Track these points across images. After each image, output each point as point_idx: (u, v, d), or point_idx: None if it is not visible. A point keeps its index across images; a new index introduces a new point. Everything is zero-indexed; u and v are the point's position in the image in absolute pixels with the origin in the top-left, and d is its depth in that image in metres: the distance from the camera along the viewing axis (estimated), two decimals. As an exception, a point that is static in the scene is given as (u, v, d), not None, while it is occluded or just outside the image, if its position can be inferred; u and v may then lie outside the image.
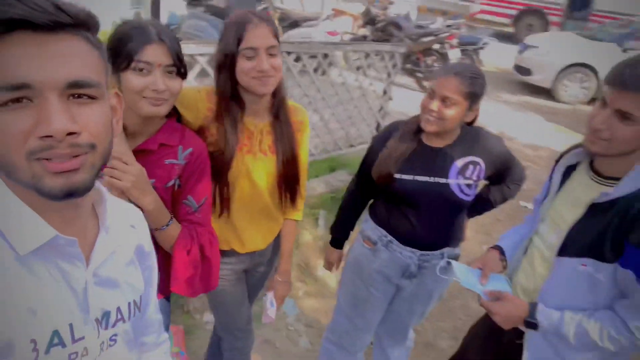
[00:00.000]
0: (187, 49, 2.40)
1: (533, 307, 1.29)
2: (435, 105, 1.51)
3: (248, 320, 1.78)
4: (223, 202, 1.44)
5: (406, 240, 1.69)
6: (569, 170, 1.35)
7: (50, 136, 0.56)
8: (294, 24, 6.72)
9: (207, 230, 1.31)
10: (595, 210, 1.20)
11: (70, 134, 0.57)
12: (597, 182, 1.23)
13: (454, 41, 6.79)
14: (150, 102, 1.11)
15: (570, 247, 1.24)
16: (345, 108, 3.54)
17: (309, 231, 3.38)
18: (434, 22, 7.26)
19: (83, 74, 0.59)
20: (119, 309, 0.75)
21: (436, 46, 6.86)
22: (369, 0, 9.58)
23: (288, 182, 1.51)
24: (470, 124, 1.66)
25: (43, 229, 0.62)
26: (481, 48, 7.25)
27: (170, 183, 1.24)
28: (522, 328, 1.36)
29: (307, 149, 1.60)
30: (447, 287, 1.88)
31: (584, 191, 1.26)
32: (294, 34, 6.26)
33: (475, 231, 3.71)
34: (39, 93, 0.56)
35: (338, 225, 1.94)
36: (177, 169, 1.24)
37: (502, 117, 6.29)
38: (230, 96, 1.36)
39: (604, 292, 1.20)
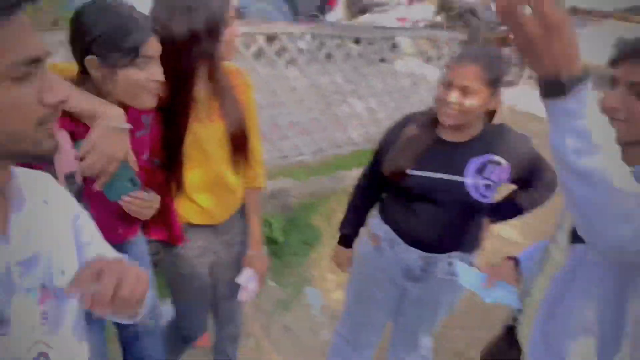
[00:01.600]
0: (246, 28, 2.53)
1: None
2: (453, 96, 1.38)
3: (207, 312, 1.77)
4: (178, 176, 1.42)
5: (411, 239, 1.59)
6: None
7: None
8: (364, 9, 6.56)
9: None
10: None
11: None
12: None
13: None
14: (151, 93, 1.12)
15: None
16: (392, 98, 3.39)
17: (347, 220, 3.31)
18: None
19: None
20: (43, 286, 0.74)
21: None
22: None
23: (239, 147, 1.47)
24: (492, 116, 1.51)
25: None
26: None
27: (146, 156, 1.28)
28: None
29: (254, 111, 1.54)
30: (458, 296, 1.74)
31: None
32: (361, 21, 6.11)
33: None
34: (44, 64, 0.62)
35: (346, 222, 1.83)
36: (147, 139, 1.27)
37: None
38: (194, 67, 1.30)
39: None
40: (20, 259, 0.70)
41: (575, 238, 1.06)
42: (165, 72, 1.17)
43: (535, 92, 0.79)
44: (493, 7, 7.65)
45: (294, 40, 2.82)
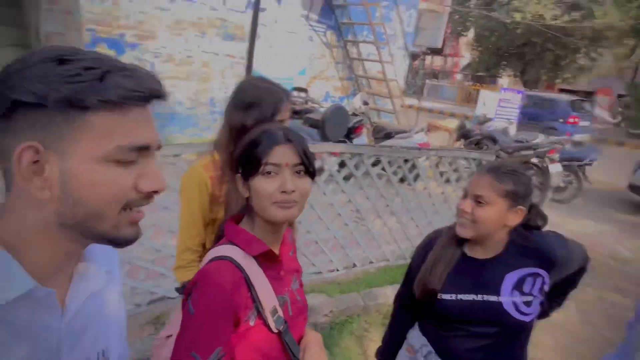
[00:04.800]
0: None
1: None
2: (468, 205, 1.35)
3: None
4: None
5: (449, 358, 1.45)
6: None
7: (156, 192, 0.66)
8: (388, 135, 6.98)
9: None
10: None
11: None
12: None
13: (555, 155, 6.47)
14: (280, 205, 1.01)
15: None
16: (425, 213, 3.43)
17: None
18: (536, 137, 7.05)
19: None
20: None
21: (535, 160, 6.59)
22: (467, 117, 9.74)
23: None
24: (529, 228, 1.44)
25: (23, 280, 0.62)
26: (588, 164, 6.80)
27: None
28: None
29: None
30: None
31: None
32: (386, 144, 6.46)
33: None
34: (152, 154, 0.66)
35: (383, 347, 1.71)
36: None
37: (615, 237, 5.63)
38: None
39: None
40: (72, 329, 0.70)
41: None
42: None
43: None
44: (511, 131, 8.05)
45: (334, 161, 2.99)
